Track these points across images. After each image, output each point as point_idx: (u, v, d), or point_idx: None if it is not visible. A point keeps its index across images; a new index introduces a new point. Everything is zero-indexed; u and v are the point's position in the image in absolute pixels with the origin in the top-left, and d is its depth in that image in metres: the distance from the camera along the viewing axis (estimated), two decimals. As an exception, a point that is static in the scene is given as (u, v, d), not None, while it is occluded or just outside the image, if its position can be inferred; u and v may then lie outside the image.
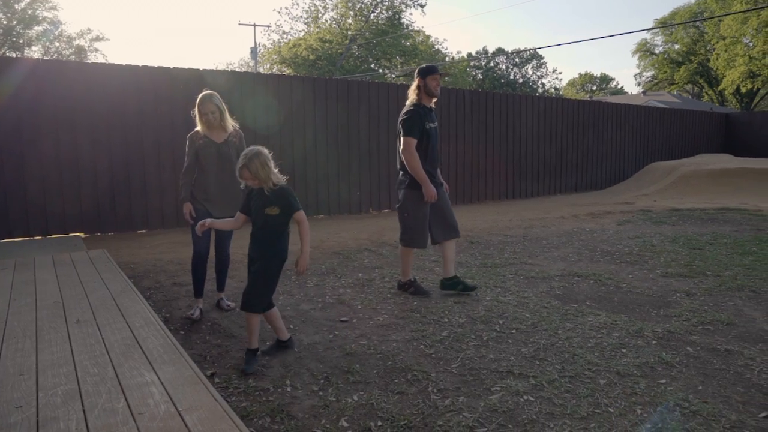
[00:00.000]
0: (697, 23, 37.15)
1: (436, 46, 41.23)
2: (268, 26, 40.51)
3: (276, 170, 3.11)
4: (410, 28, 37.14)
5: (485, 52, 55.16)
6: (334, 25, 36.03)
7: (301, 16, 42.47)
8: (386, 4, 35.77)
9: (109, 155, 7.69)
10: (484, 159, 12.14)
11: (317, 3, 36.54)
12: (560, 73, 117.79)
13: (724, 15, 30.68)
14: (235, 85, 8.63)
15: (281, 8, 75.22)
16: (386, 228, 8.27)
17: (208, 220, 3.33)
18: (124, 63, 8.01)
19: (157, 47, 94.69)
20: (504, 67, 55.06)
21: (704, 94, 44.66)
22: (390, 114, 10.36)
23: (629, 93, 52.59)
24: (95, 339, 3.05)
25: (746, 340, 3.52)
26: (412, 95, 4.51)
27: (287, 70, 34.51)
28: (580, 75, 65.23)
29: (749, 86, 34.08)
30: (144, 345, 2.95)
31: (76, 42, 37.51)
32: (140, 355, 2.82)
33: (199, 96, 3.95)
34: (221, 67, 46.42)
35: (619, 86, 64.52)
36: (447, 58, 41.44)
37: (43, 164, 7.29)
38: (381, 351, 3.37)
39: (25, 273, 4.71)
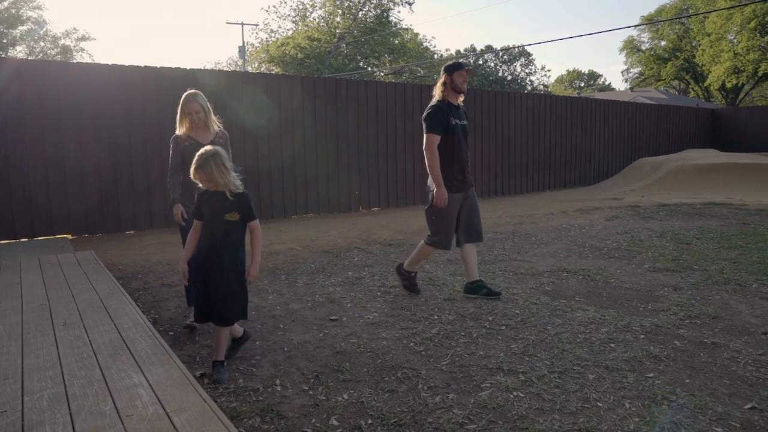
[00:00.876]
0: (683, 20, 37.46)
1: (425, 44, 41.26)
2: (256, 25, 40.22)
3: (234, 173, 2.92)
4: (398, 26, 37.17)
5: (473, 49, 55.31)
6: (322, 24, 35.95)
7: (289, 15, 42.43)
8: (374, 2, 35.77)
9: (96, 155, 7.61)
10: (473, 156, 12.17)
11: (305, 1, 36.44)
12: (549, 70, 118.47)
13: (709, 12, 31.00)
14: (224, 84, 8.58)
15: (269, 7, 75.09)
16: (376, 226, 8.27)
17: (185, 265, 3.08)
18: (110, 63, 7.94)
19: (144, 47, 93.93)
20: (492, 64, 55.26)
21: (690, 90, 45.08)
22: (379, 112, 10.36)
23: (617, 89, 53.00)
24: (82, 341, 3.02)
25: (732, 333, 3.57)
26: (437, 92, 4.32)
27: (276, 69, 34.37)
28: (569, 72, 65.53)
29: (734, 82, 34.48)
30: (132, 347, 2.92)
31: (62, 42, 37.10)
32: (128, 356, 2.80)
33: (183, 95, 3.82)
34: (209, 67, 46.13)
35: (606, 83, 65.02)
36: (435, 56, 41.45)
37: (29, 165, 7.21)
38: (371, 349, 3.37)
39: (10, 275, 4.66)
